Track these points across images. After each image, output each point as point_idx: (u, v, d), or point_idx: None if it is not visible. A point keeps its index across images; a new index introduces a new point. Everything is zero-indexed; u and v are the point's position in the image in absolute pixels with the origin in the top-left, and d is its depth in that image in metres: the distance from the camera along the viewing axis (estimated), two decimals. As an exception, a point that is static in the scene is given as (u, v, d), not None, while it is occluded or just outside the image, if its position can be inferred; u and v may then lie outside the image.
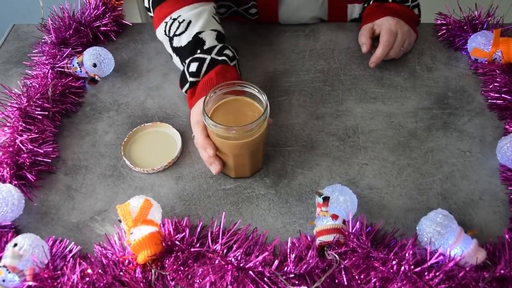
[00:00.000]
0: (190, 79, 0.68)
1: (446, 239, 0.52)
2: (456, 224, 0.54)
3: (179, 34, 0.70)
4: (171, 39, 0.72)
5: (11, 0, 1.45)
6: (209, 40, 0.70)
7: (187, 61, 0.69)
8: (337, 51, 0.83)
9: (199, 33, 0.70)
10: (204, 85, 0.67)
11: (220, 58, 0.68)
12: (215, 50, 0.69)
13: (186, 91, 0.70)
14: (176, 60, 0.73)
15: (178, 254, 0.54)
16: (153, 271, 0.53)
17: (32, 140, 0.67)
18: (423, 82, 0.78)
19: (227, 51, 0.69)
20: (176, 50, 0.71)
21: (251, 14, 0.87)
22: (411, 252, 0.51)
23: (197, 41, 0.69)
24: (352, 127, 0.71)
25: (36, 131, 0.68)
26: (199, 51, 0.69)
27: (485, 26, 0.82)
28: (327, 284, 0.52)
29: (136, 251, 0.53)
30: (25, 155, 0.64)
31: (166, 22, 0.72)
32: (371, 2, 0.84)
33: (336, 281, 0.52)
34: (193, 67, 0.68)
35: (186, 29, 0.70)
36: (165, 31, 0.72)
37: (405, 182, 0.64)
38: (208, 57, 0.68)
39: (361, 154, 0.68)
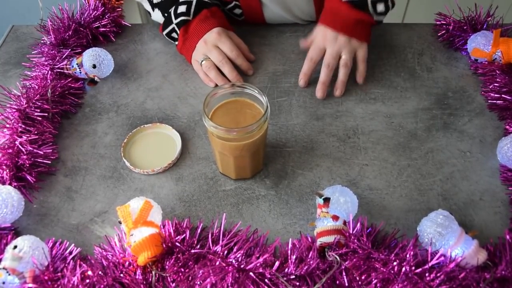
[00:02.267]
0: (181, 18, 0.76)
1: (447, 240, 0.52)
2: (456, 225, 0.54)
3: None
4: None
5: (10, 1, 1.45)
6: None
7: (172, 9, 0.77)
8: (337, 52, 0.83)
9: None
10: (200, 22, 0.75)
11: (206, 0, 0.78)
12: None
13: (171, 32, 0.79)
14: (156, 14, 0.80)
15: (179, 255, 0.53)
16: (153, 272, 0.53)
17: (31, 142, 0.66)
18: (423, 83, 0.78)
19: None
20: (157, 4, 0.79)
21: (236, 14, 0.87)
22: (412, 253, 0.51)
23: None
24: (352, 127, 0.71)
25: (36, 132, 0.68)
26: (181, 0, 0.77)
27: (485, 26, 0.82)
28: (328, 285, 0.52)
29: (136, 252, 0.53)
30: (24, 157, 0.64)
31: None
32: None
33: (337, 282, 0.52)
34: (182, 8, 0.76)
35: None
36: None
37: (405, 183, 0.64)
38: (194, 0, 0.76)
39: (361, 154, 0.68)
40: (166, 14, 0.78)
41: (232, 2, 0.84)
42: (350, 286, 0.52)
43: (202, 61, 0.76)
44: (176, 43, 0.81)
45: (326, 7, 0.78)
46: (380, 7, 0.75)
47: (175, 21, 0.77)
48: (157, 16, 0.81)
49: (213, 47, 0.76)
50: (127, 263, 0.54)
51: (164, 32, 0.80)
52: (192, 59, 0.79)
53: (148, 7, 0.82)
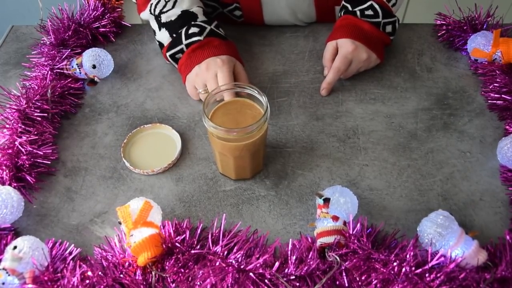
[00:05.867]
0: (193, 38, 0.73)
1: (447, 240, 0.52)
2: (457, 225, 0.54)
3: (167, 11, 0.76)
4: (157, 17, 0.77)
5: (10, 1, 1.45)
6: (200, 14, 0.76)
7: (183, 29, 0.74)
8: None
9: (189, 9, 0.76)
10: (212, 47, 0.72)
11: (219, 31, 0.75)
12: (214, 24, 0.75)
13: (177, 53, 0.75)
14: (162, 34, 0.77)
15: (179, 256, 0.53)
16: (153, 273, 0.53)
17: (31, 142, 0.66)
18: (423, 83, 0.78)
19: (221, 29, 0.77)
20: (165, 24, 0.76)
21: (236, 16, 0.87)
22: (412, 253, 0.51)
23: (188, 15, 0.75)
24: (352, 128, 0.71)
25: (36, 132, 0.68)
26: (193, 22, 0.75)
27: (485, 26, 0.82)
28: (328, 285, 0.52)
29: (136, 253, 0.53)
30: (24, 157, 0.64)
31: (152, 3, 0.77)
32: (342, 13, 0.80)
33: (337, 282, 0.52)
34: (194, 29, 0.73)
35: (173, 6, 0.76)
36: (150, 10, 0.77)
37: (405, 183, 0.64)
38: (208, 27, 0.74)
39: (361, 155, 0.67)
40: (174, 35, 0.75)
41: (233, 4, 0.83)
42: (350, 286, 0.51)
43: (200, 91, 0.72)
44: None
45: (344, 23, 0.77)
46: (388, 28, 0.78)
47: (185, 42, 0.73)
48: (163, 36, 0.77)
49: (213, 76, 0.70)
50: (127, 263, 0.54)
51: (169, 53, 0.76)
52: (189, 75, 0.73)
53: (154, 25, 0.78)
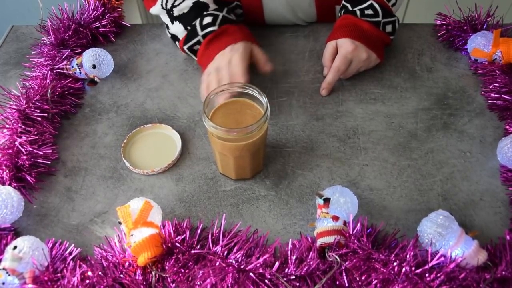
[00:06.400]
0: (209, 28, 0.74)
1: (447, 240, 0.52)
2: (457, 225, 0.54)
3: (178, 4, 0.76)
4: (170, 11, 0.77)
5: (10, 1, 1.45)
6: (211, 3, 0.77)
7: (197, 21, 0.75)
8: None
9: (198, 0, 0.76)
10: (226, 34, 0.73)
11: (230, 16, 0.76)
12: (225, 10, 0.76)
13: (195, 44, 0.76)
14: (176, 27, 0.77)
15: (179, 256, 0.53)
16: (153, 273, 0.53)
17: (31, 142, 0.66)
18: (423, 83, 0.78)
19: (232, 14, 0.78)
20: (178, 17, 0.77)
21: (236, 15, 0.87)
22: (412, 253, 0.51)
23: (200, 6, 0.76)
24: (352, 128, 0.71)
25: (36, 132, 0.68)
26: (205, 12, 0.75)
27: (485, 26, 0.82)
28: (328, 285, 0.52)
29: (136, 253, 0.53)
30: (24, 157, 0.64)
31: None
32: (342, 13, 0.80)
33: (337, 282, 0.52)
34: (208, 19, 0.74)
35: None
36: (161, 5, 0.78)
37: (405, 183, 0.64)
38: (220, 14, 0.75)
39: (362, 155, 0.68)
40: (189, 27, 0.76)
41: (234, 2, 0.84)
42: (350, 286, 0.51)
43: (210, 73, 0.72)
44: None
45: (344, 22, 0.77)
46: (388, 28, 0.78)
47: (201, 33, 0.74)
48: (177, 29, 0.77)
49: (227, 64, 0.71)
50: (127, 263, 0.54)
51: (186, 46, 0.77)
52: (206, 69, 0.74)
53: (166, 19, 0.79)
